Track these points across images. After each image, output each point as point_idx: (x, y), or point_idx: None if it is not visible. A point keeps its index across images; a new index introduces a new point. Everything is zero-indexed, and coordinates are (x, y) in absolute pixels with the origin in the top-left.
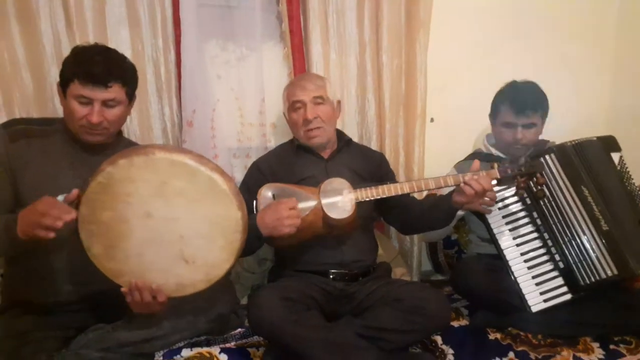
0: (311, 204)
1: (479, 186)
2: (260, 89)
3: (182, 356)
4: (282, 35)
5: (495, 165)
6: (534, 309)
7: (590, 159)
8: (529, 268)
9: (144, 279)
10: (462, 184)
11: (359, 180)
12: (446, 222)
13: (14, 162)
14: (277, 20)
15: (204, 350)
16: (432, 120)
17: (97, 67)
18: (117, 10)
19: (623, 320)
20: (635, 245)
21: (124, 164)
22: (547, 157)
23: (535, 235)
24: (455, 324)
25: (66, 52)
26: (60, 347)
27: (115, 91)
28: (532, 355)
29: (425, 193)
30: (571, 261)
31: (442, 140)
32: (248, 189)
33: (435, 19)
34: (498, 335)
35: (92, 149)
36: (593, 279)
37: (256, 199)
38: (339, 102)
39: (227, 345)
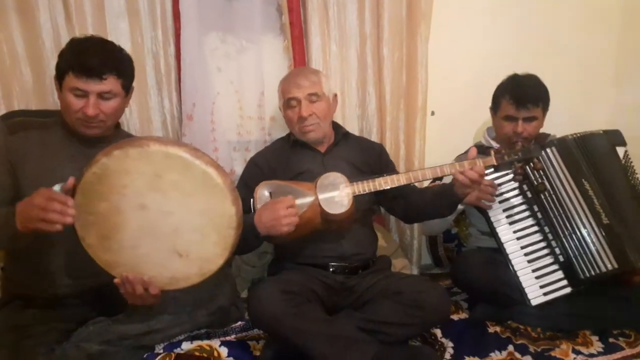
0: (308, 200)
1: (473, 174)
2: (259, 82)
3: (182, 349)
4: (282, 28)
5: (492, 152)
6: (534, 302)
7: (594, 152)
8: (529, 261)
9: (138, 270)
10: (457, 174)
11: (357, 173)
12: (450, 211)
13: (13, 154)
14: (277, 12)
15: (205, 343)
16: (432, 113)
17: (91, 59)
18: (116, 2)
19: (622, 313)
20: (637, 239)
21: (119, 155)
22: (548, 150)
23: (535, 228)
24: (455, 317)
25: None
26: (61, 340)
27: (110, 83)
28: (532, 348)
29: (425, 184)
30: (571, 254)
31: (443, 134)
32: (246, 185)
33: (437, 11)
34: (498, 329)
35: (90, 142)
36: (593, 273)
37: (253, 198)
38: (335, 95)
39: (228, 338)
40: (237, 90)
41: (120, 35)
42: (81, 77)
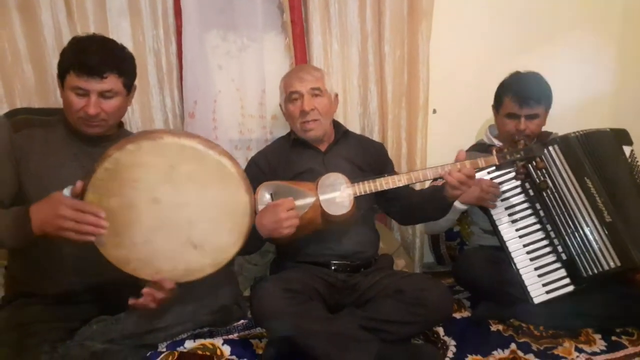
0: (309, 201)
1: (460, 176)
2: (261, 80)
3: (185, 347)
4: (283, 26)
5: (494, 150)
6: (536, 300)
7: (598, 150)
8: (531, 259)
9: (151, 265)
10: (445, 175)
11: (357, 172)
12: (442, 214)
13: (18, 151)
14: (279, 10)
15: (207, 341)
16: (434, 111)
17: (92, 57)
18: (117, 1)
19: (625, 311)
20: (639, 236)
21: (132, 148)
22: (550, 148)
23: (537, 226)
24: (457, 315)
25: None
26: (65, 338)
27: (111, 82)
28: (534, 346)
29: (427, 184)
30: (574, 252)
31: (444, 132)
32: None
33: (438, 9)
34: (500, 327)
35: (92, 141)
36: (595, 271)
37: (254, 200)
38: (336, 95)
39: (230, 336)
40: (238, 89)
41: (121, 33)
42: (82, 76)
